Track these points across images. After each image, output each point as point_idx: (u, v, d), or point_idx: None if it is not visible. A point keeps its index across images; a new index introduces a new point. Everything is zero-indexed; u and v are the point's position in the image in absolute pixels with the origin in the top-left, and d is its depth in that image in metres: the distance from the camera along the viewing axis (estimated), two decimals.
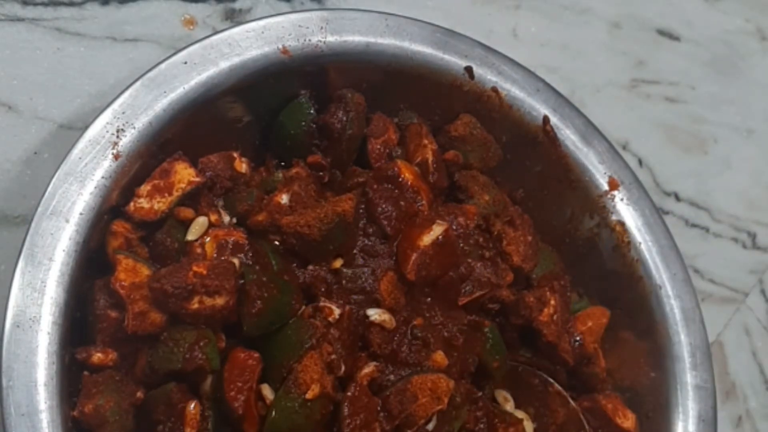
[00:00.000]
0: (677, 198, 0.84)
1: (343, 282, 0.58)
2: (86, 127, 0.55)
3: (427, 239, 0.59)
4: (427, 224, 0.60)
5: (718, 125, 0.87)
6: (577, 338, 0.64)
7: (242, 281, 0.54)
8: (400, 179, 0.61)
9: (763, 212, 0.87)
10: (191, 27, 0.71)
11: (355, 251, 0.59)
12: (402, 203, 0.60)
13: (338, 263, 0.58)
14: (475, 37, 0.66)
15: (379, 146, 0.64)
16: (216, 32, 0.59)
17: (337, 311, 0.56)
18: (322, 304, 0.56)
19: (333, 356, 0.54)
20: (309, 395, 0.52)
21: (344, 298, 0.57)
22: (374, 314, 0.57)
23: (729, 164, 0.87)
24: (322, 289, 0.58)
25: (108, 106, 0.55)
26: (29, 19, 0.67)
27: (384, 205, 0.60)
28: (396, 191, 0.61)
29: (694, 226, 0.85)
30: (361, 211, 0.60)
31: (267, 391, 0.53)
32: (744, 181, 0.87)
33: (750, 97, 0.89)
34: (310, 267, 0.58)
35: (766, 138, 0.89)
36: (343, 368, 0.55)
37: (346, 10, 0.64)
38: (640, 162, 0.83)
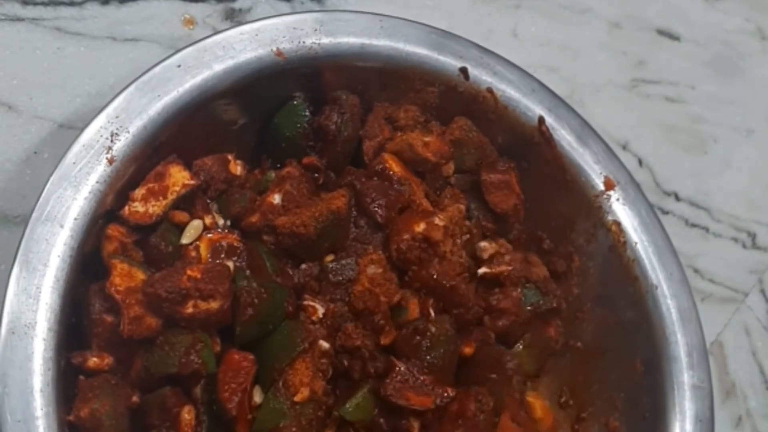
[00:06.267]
0: (677, 198, 0.84)
1: (330, 276, 0.57)
2: (80, 132, 0.55)
3: (422, 226, 0.59)
4: (428, 215, 0.60)
5: (718, 125, 0.87)
6: None
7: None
8: (389, 172, 0.61)
9: (763, 212, 0.86)
10: (191, 27, 0.71)
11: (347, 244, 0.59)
12: (391, 193, 0.60)
13: (330, 259, 0.58)
14: (475, 37, 0.66)
15: (374, 147, 0.64)
16: (211, 34, 0.59)
17: (320, 310, 0.56)
18: (306, 302, 0.56)
19: (323, 360, 0.55)
20: (297, 398, 0.53)
21: (330, 294, 0.57)
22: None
23: (729, 164, 0.86)
24: (315, 288, 0.58)
25: (102, 110, 0.55)
26: (29, 19, 0.67)
27: (374, 195, 0.60)
28: (385, 183, 0.61)
29: (693, 225, 0.84)
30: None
31: (257, 393, 0.54)
32: (744, 181, 0.86)
33: (750, 97, 0.88)
34: (303, 266, 0.58)
35: (766, 138, 0.88)
36: (330, 371, 0.55)
37: (340, 11, 0.64)
38: (640, 162, 0.83)
